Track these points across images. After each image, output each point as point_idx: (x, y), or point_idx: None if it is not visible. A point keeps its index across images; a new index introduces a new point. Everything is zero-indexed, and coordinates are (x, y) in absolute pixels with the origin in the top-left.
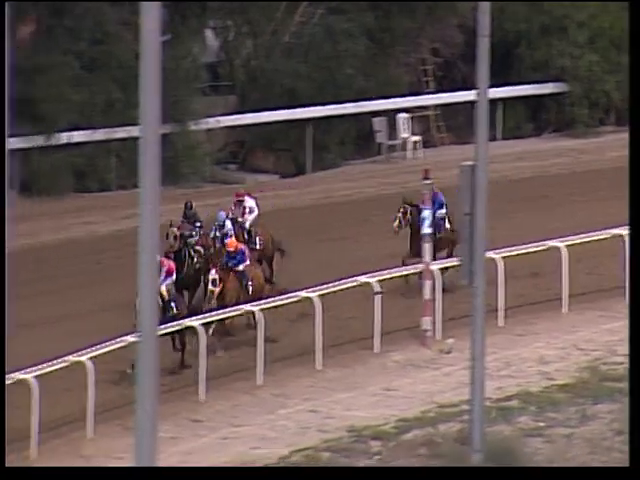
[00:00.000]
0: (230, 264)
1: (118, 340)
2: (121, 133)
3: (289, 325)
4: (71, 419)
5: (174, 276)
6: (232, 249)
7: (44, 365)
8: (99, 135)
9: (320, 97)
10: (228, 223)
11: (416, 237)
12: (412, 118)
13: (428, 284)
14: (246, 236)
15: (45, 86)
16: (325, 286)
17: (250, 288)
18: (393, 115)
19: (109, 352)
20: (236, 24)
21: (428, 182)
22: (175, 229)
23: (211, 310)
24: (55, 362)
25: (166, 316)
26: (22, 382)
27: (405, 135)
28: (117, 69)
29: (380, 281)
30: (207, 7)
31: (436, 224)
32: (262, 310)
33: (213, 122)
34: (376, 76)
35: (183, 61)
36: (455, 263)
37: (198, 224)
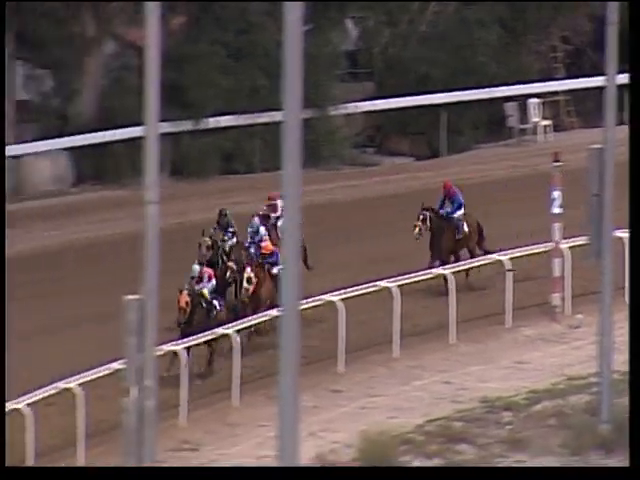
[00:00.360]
0: (266, 265)
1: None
2: (265, 118)
3: (426, 301)
4: (218, 389)
5: (214, 281)
6: (268, 252)
7: (192, 338)
8: (244, 120)
9: (454, 83)
10: (262, 229)
11: (436, 241)
12: (543, 103)
13: (557, 262)
14: (280, 236)
15: (194, 74)
16: (458, 264)
17: None
18: (524, 100)
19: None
20: (375, 14)
21: (558, 165)
22: (207, 239)
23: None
24: (202, 335)
25: (209, 316)
26: (174, 354)
27: (536, 119)
28: (262, 57)
29: (511, 259)
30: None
31: (455, 225)
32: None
33: (352, 107)
34: (508, 63)
35: (324, 49)
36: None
37: (231, 230)
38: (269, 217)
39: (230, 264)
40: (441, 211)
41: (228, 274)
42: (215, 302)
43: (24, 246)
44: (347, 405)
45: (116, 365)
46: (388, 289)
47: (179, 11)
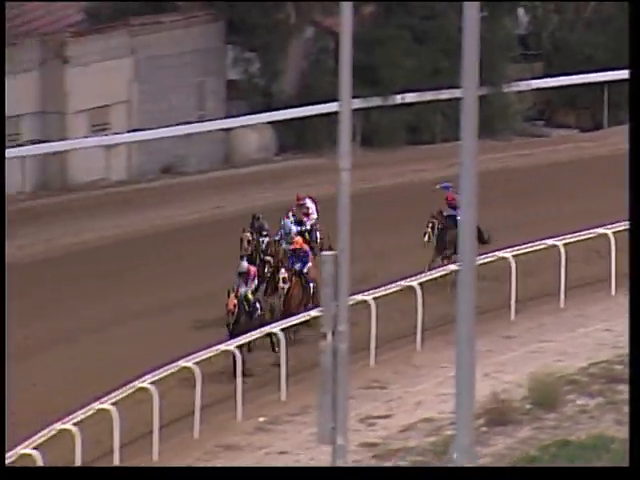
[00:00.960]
0: (296, 266)
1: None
2: (446, 94)
3: (589, 257)
4: (403, 335)
5: (256, 281)
6: (298, 246)
7: (381, 289)
8: (427, 96)
9: (615, 63)
10: (294, 228)
11: (441, 239)
12: None
13: None
14: (307, 236)
15: (383, 56)
16: (618, 223)
17: (312, 289)
18: None
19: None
20: (543, 2)
21: None
22: (248, 234)
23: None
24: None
25: (253, 318)
26: (363, 303)
27: None
28: (443, 41)
29: None
30: None
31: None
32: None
33: (523, 85)
34: None
35: (498, 33)
36: None
37: (265, 232)
38: (302, 222)
39: (268, 258)
40: (445, 213)
41: (266, 269)
42: (257, 305)
43: (243, 206)
44: (518, 350)
45: (314, 313)
46: (555, 247)
47: (370, 1)
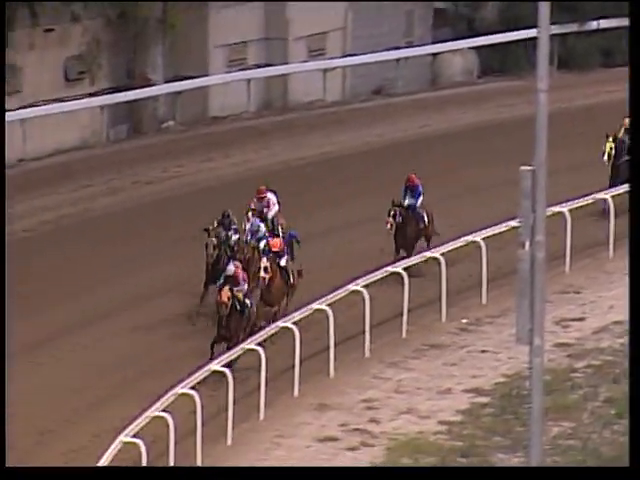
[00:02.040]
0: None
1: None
2: None
3: None
4: (596, 244)
5: (245, 285)
6: (277, 249)
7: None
8: (621, 22)
9: None
10: (262, 227)
11: (401, 232)
12: None
13: None
14: (270, 226)
15: None
16: None
17: (292, 281)
18: None
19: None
20: None
21: None
22: (213, 239)
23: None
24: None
25: (243, 316)
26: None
27: None
28: None
29: None
30: None
31: (419, 216)
32: None
33: None
34: None
35: None
36: None
37: (234, 227)
38: (262, 213)
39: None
40: (406, 203)
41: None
42: (247, 301)
43: (447, 125)
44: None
45: (513, 223)
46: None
47: None
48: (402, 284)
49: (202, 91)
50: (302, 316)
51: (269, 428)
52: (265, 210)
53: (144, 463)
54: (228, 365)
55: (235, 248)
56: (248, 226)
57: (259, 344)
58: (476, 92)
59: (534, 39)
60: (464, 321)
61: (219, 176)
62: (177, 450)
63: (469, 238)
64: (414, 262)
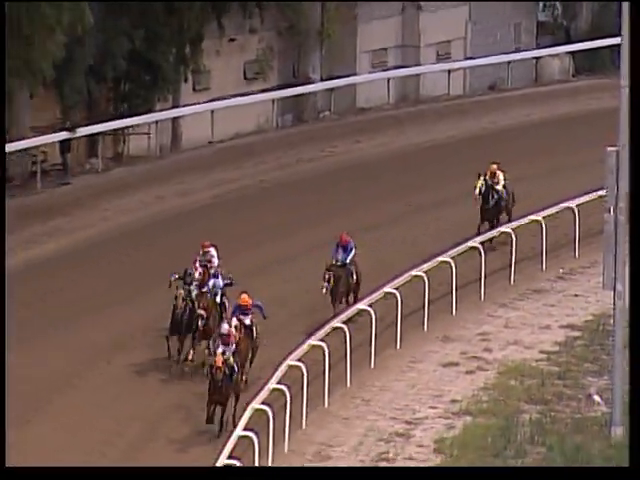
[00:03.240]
0: (245, 320)
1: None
2: None
3: None
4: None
5: (234, 346)
6: (244, 303)
7: None
8: None
9: None
10: (221, 282)
11: (336, 287)
12: None
13: None
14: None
15: None
16: None
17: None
18: None
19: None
20: None
21: None
22: (182, 291)
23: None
24: None
25: (232, 379)
26: None
27: None
28: None
29: None
30: None
31: (349, 271)
32: None
33: None
34: None
35: None
36: None
37: (195, 284)
38: (206, 266)
39: (201, 312)
40: (339, 258)
41: (200, 322)
42: (235, 367)
43: (548, 114)
44: None
45: (600, 193)
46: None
47: None
48: (510, 243)
49: (351, 87)
50: (429, 267)
51: (404, 355)
52: (208, 264)
53: (305, 383)
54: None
55: (200, 303)
56: (210, 282)
57: (395, 288)
58: (570, 88)
59: (618, 45)
60: (561, 271)
61: (365, 155)
62: (331, 373)
63: (564, 205)
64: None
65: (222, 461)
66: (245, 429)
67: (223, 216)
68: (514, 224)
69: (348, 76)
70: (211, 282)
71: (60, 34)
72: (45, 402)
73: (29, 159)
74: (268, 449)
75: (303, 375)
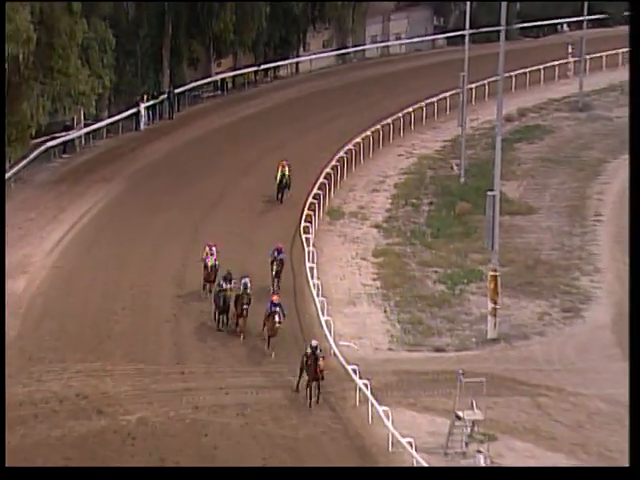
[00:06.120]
0: (276, 309)
1: None
2: None
3: None
4: None
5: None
6: (275, 300)
7: None
8: None
9: None
10: (248, 282)
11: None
12: None
13: None
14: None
15: None
16: None
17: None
18: None
19: None
20: None
21: None
22: (230, 286)
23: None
24: None
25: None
26: None
27: None
28: None
29: None
30: None
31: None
32: None
33: None
34: None
35: None
36: None
37: (234, 280)
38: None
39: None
40: (279, 257)
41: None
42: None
43: None
44: None
45: None
46: None
47: None
48: None
49: None
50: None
51: (381, 156)
52: (207, 258)
53: None
54: None
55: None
56: (242, 281)
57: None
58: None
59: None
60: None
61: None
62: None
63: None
64: None
65: None
66: None
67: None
68: None
69: None
70: (243, 280)
71: None
72: None
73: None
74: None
75: None
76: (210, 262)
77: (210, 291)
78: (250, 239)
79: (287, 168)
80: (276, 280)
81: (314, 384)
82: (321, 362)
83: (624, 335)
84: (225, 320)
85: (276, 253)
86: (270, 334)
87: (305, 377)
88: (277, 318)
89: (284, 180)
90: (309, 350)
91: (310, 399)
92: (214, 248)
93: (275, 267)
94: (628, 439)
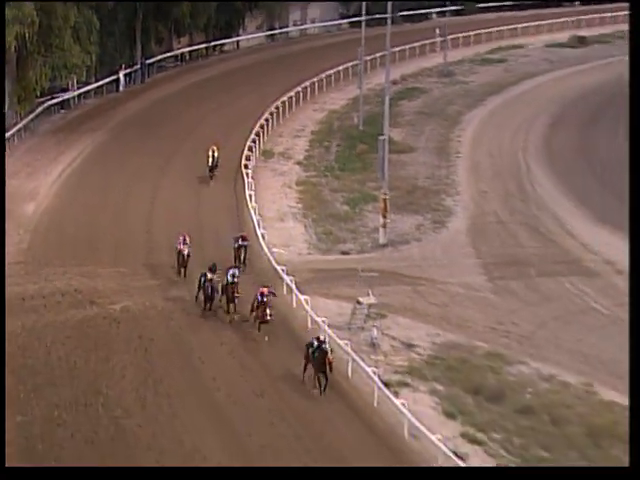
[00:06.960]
0: (264, 298)
1: None
2: None
3: None
4: None
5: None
6: (266, 292)
7: None
8: None
9: None
10: (237, 272)
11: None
12: None
13: None
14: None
15: None
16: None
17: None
18: None
19: None
20: None
21: None
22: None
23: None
24: None
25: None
26: None
27: None
28: None
29: None
30: None
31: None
32: None
33: None
34: None
35: None
36: None
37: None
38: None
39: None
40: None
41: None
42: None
43: None
44: None
45: None
46: None
47: None
48: None
49: None
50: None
51: (300, 115)
52: (180, 247)
53: None
54: None
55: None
56: (230, 272)
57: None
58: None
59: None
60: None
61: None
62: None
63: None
64: None
65: None
66: None
67: None
68: None
69: None
70: (231, 271)
71: None
72: None
73: None
74: None
75: None
76: (185, 251)
77: (185, 275)
78: (205, 172)
79: (216, 152)
80: (242, 265)
81: (321, 375)
82: (330, 355)
83: (475, 238)
84: (209, 307)
85: (240, 240)
86: (261, 321)
87: (311, 368)
88: (268, 311)
89: (214, 162)
90: (315, 343)
91: (320, 387)
92: (187, 238)
93: (242, 254)
94: (628, 438)
